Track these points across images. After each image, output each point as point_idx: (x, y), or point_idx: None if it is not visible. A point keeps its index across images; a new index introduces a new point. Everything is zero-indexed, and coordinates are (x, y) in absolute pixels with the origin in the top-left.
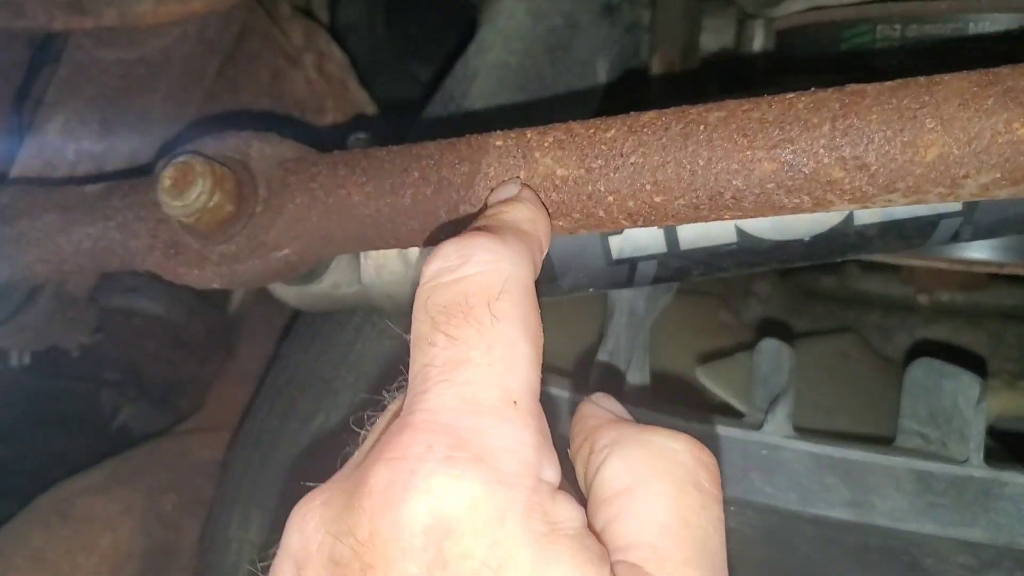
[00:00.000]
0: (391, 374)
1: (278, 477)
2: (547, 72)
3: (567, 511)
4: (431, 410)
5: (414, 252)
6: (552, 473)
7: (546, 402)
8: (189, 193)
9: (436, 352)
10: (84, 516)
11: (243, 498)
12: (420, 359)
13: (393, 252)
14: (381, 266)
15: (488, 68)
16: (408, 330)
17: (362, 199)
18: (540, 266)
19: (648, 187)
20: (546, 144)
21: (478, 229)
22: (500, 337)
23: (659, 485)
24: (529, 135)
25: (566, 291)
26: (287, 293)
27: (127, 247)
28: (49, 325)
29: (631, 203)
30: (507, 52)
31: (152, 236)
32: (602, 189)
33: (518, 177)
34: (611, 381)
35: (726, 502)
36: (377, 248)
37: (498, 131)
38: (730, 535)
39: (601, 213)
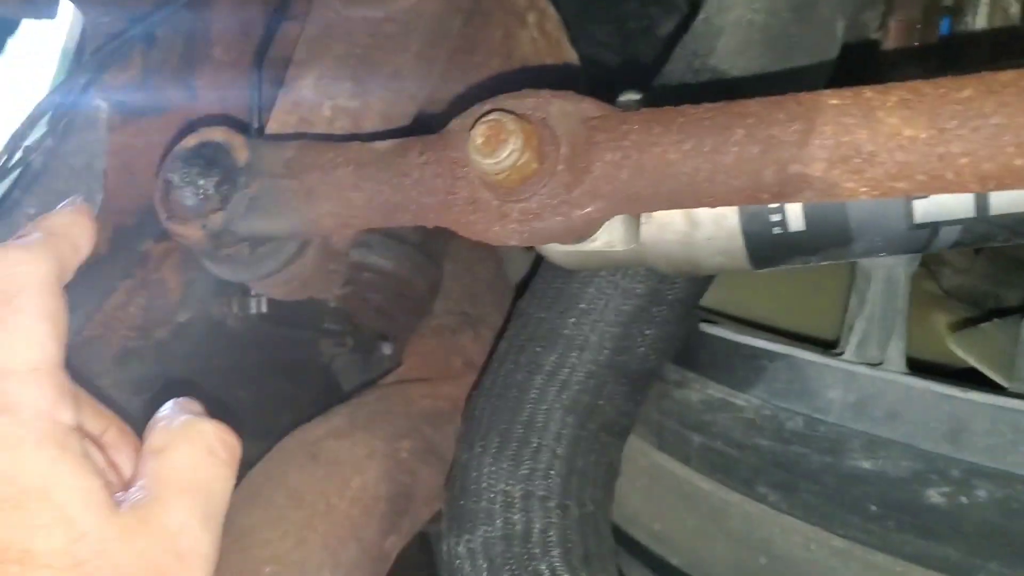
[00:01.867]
0: (630, 334)
1: (528, 431)
2: (793, 31)
3: (75, 439)
4: None
5: (701, 212)
6: (68, 416)
7: (796, 367)
8: (501, 151)
9: None
10: (333, 459)
11: (492, 450)
12: None
13: (679, 212)
14: (664, 225)
15: (732, 25)
16: None
17: (679, 158)
18: (71, 261)
19: (1010, 149)
20: (890, 103)
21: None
22: (19, 324)
23: (183, 446)
24: (868, 93)
25: (857, 255)
26: (554, 251)
27: (421, 203)
28: (313, 277)
29: (987, 165)
30: (751, 10)
31: (449, 193)
32: (955, 150)
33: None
34: (867, 347)
35: (989, 473)
36: (686, 207)
37: (828, 90)
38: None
39: (950, 176)
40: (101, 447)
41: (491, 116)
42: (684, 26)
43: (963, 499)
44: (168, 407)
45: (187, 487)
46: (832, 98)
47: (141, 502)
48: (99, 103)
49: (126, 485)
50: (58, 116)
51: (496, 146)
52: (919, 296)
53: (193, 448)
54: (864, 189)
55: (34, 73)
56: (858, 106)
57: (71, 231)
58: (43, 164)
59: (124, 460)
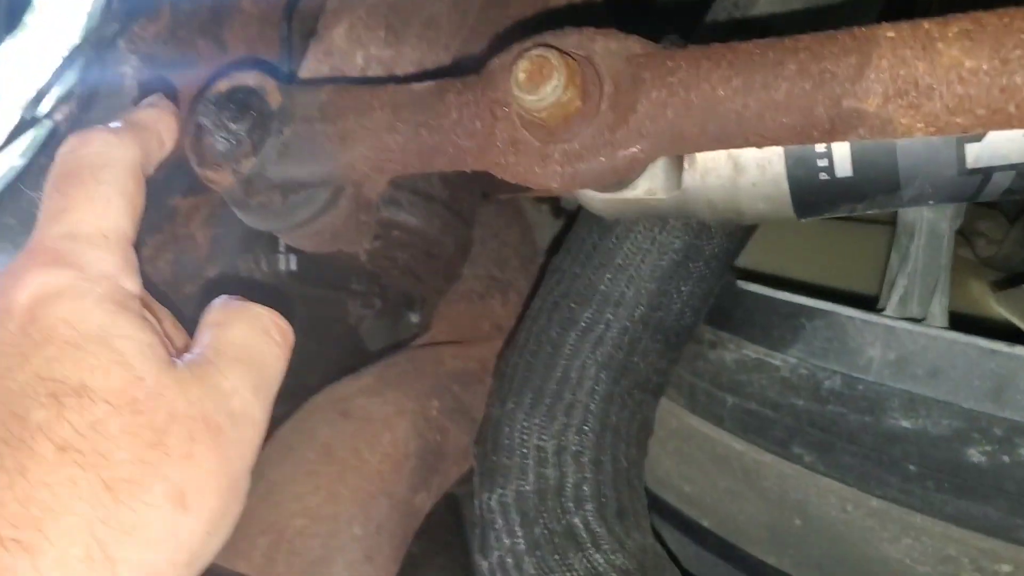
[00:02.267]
0: (666, 290)
1: (561, 387)
2: None
3: (136, 304)
4: (40, 239)
5: (746, 157)
6: (132, 285)
7: (835, 325)
8: (544, 87)
9: (52, 203)
10: (363, 415)
11: (525, 405)
12: (42, 208)
13: (723, 155)
14: (707, 171)
15: None
16: None
17: (728, 94)
18: (155, 153)
19: None
20: (950, 34)
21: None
22: (99, 194)
23: (239, 323)
24: (926, 25)
25: (905, 202)
26: (593, 198)
27: (459, 146)
28: (344, 228)
29: None
30: None
31: (489, 134)
32: (1019, 82)
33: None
34: (909, 304)
35: None
36: (735, 147)
37: (884, 23)
38: None
39: (1012, 109)
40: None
41: (534, 51)
42: None
43: (1005, 458)
44: (222, 298)
45: (242, 357)
46: (888, 31)
47: (196, 362)
48: (124, 69)
49: (179, 355)
50: (88, 69)
51: (539, 82)
52: (956, 263)
53: (249, 326)
54: (920, 125)
55: (58, 35)
56: (916, 38)
57: (157, 125)
58: (68, 129)
59: (178, 345)
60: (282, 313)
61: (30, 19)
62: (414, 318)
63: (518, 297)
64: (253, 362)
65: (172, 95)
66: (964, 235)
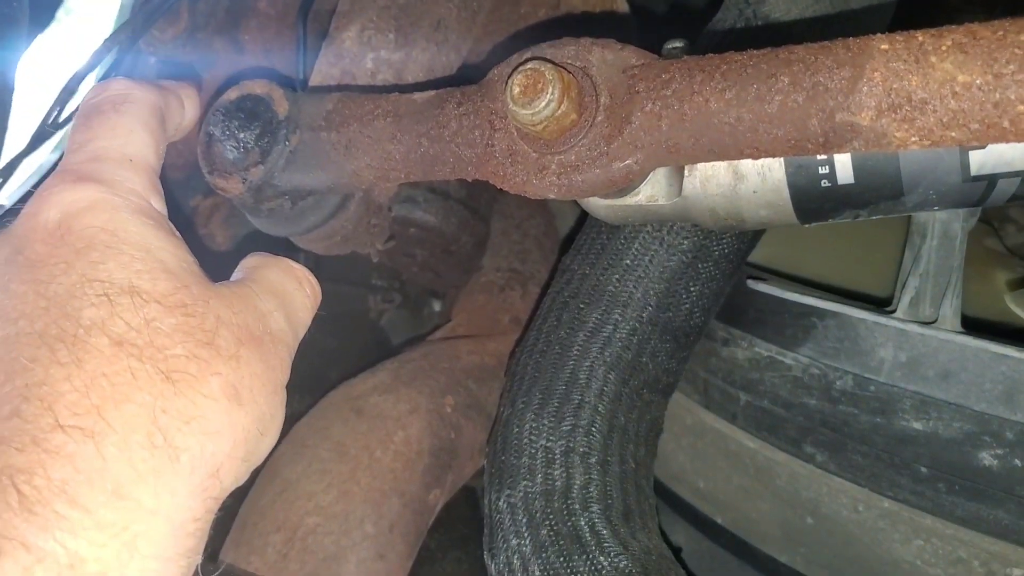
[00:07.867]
0: (675, 291)
1: (570, 388)
2: None
3: (169, 225)
4: (66, 163)
5: (746, 164)
6: (161, 208)
7: (846, 325)
8: (538, 101)
9: (78, 134)
10: (377, 413)
11: (534, 406)
12: (70, 139)
13: (722, 164)
14: (708, 178)
15: None
16: None
17: (721, 106)
18: (175, 111)
19: None
20: (943, 48)
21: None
22: (121, 123)
23: (274, 268)
24: (920, 38)
25: (909, 209)
26: (596, 205)
27: (459, 156)
28: (356, 231)
29: None
30: None
31: (488, 145)
32: (1012, 97)
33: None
34: (920, 305)
35: None
36: (729, 159)
37: (879, 34)
38: None
39: (1006, 124)
40: None
41: (529, 65)
42: None
43: (1017, 462)
44: (256, 253)
45: (276, 292)
46: (883, 43)
47: (234, 285)
48: (149, 58)
49: None
50: (111, 71)
51: (533, 96)
52: (980, 253)
53: (283, 272)
54: (915, 139)
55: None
56: (910, 51)
57: (178, 90)
58: None
59: None
60: None
61: (61, 14)
62: (437, 305)
63: (539, 289)
64: (286, 299)
65: (197, 83)
66: (992, 223)
